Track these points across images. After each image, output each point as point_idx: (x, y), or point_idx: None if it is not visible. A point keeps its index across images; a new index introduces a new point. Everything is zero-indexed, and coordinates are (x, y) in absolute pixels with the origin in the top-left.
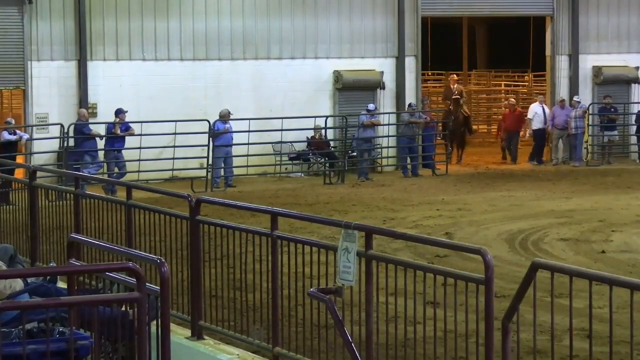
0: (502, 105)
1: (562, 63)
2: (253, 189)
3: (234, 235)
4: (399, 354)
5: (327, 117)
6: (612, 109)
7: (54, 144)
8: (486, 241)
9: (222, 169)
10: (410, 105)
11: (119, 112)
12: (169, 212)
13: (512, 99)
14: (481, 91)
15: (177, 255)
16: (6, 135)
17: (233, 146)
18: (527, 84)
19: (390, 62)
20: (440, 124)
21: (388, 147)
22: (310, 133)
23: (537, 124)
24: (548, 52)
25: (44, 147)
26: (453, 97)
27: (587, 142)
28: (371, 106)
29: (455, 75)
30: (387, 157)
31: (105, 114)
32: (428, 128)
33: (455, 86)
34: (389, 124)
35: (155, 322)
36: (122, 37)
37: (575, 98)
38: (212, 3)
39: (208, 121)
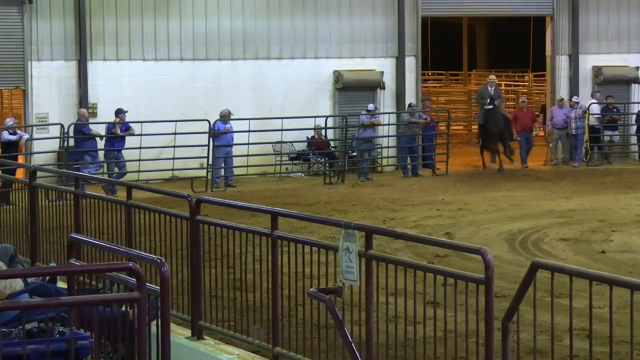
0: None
1: (562, 63)
2: (253, 189)
3: (234, 235)
4: (399, 354)
5: (327, 117)
6: (615, 109)
7: (54, 144)
8: (486, 241)
9: (222, 169)
10: (410, 105)
11: (119, 112)
12: (169, 212)
13: (525, 98)
14: None
15: (177, 255)
16: (6, 135)
17: (233, 146)
18: (527, 84)
19: (390, 62)
20: (440, 124)
21: (388, 147)
22: (310, 133)
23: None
24: (548, 52)
25: (44, 147)
26: (500, 95)
27: (587, 142)
28: (371, 106)
29: (494, 76)
30: (387, 157)
31: (105, 114)
32: (428, 128)
33: (493, 87)
34: (389, 124)
35: (155, 322)
36: (122, 37)
37: (574, 98)
38: (212, 3)
39: (208, 121)
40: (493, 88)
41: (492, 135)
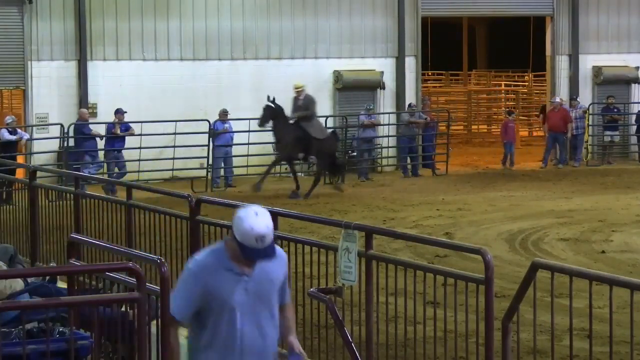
0: (550, 104)
1: (562, 63)
2: None
3: None
4: (399, 354)
5: (327, 117)
6: (615, 109)
7: (54, 144)
8: (486, 241)
9: (222, 169)
10: (410, 105)
11: (118, 112)
12: (169, 212)
13: (557, 98)
14: (481, 91)
15: (177, 255)
16: (6, 135)
17: (233, 146)
18: (527, 84)
19: (390, 62)
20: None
21: (388, 147)
22: None
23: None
24: (548, 52)
25: (44, 147)
26: (309, 106)
27: (587, 142)
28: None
29: (299, 83)
30: (387, 157)
31: (105, 114)
32: (428, 128)
33: (303, 97)
34: (389, 124)
35: (155, 322)
36: (122, 37)
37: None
38: (212, 3)
39: (208, 121)
40: (302, 98)
41: (286, 149)
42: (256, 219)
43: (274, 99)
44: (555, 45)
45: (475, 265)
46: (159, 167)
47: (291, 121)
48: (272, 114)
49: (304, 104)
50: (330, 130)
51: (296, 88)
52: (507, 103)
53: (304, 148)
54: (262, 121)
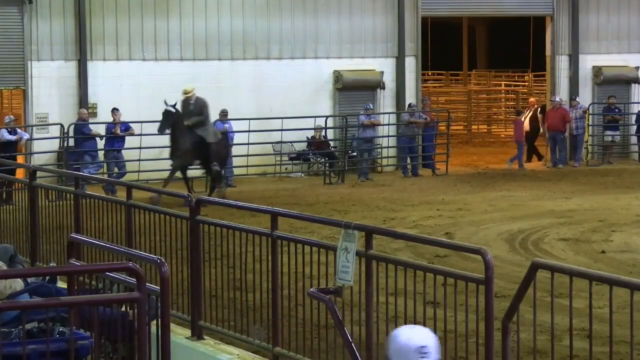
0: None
1: (562, 63)
2: (253, 189)
3: (234, 235)
4: None
5: (327, 117)
6: (616, 110)
7: (54, 144)
8: (486, 241)
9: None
10: (410, 105)
11: (113, 112)
12: (169, 212)
13: (557, 97)
14: (481, 91)
15: (177, 255)
16: (6, 135)
17: (233, 146)
18: (527, 84)
19: (390, 62)
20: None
21: (388, 147)
22: (311, 133)
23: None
24: (548, 52)
25: (44, 147)
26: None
27: (587, 142)
28: (366, 106)
29: (189, 87)
30: (387, 157)
31: (105, 114)
32: (428, 128)
33: (193, 100)
34: (389, 124)
35: (155, 322)
36: (122, 37)
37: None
38: (212, 3)
39: None
40: (193, 102)
41: (182, 157)
42: (412, 331)
43: (174, 104)
44: (555, 45)
45: (475, 265)
46: (159, 167)
47: (186, 124)
48: (172, 119)
49: (196, 108)
50: (220, 131)
51: (185, 93)
52: (507, 103)
53: (201, 155)
54: (162, 127)
